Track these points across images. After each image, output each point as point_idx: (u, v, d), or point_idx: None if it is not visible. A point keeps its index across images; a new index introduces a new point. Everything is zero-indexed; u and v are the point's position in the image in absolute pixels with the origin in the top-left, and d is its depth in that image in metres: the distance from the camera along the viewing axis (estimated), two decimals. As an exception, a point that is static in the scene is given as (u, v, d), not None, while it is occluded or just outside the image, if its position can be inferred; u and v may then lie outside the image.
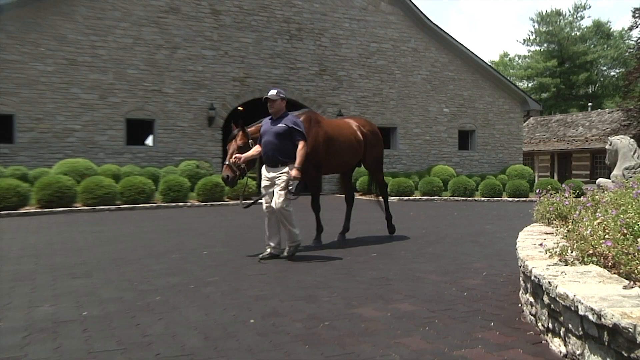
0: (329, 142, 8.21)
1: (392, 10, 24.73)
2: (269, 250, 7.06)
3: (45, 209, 13.20)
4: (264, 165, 7.17)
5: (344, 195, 9.80)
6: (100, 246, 8.08)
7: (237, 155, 7.25)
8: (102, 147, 20.07)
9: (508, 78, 32.84)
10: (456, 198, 19.70)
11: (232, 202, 16.63)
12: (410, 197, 19.44)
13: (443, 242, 8.75)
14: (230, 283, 5.58)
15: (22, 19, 18.99)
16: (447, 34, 25.61)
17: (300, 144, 6.96)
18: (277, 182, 6.92)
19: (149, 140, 23.64)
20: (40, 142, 19.17)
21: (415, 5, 24.94)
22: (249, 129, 7.60)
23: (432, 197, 19.68)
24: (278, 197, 6.82)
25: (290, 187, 6.92)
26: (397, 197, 19.28)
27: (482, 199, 19.90)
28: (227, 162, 7.39)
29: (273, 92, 7.15)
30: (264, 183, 7.10)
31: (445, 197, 19.80)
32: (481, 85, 26.83)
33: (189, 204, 15.52)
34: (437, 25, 25.44)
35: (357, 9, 24.06)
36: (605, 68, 59.26)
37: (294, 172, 6.81)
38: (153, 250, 7.73)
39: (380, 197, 9.97)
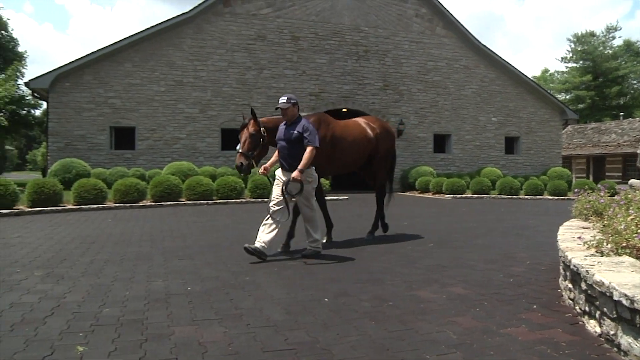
0: (336, 143, 7.28)
1: (446, 33, 24.32)
2: (257, 243, 5.99)
3: (157, 203, 13.66)
4: (279, 169, 6.40)
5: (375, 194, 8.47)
6: (200, 234, 8.30)
7: (265, 166, 6.39)
8: (202, 152, 20.69)
9: (548, 91, 31.67)
10: (503, 196, 19.16)
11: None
12: (463, 195, 19.06)
13: (491, 234, 8.54)
14: (307, 267, 5.64)
15: (143, 51, 19.89)
16: (494, 53, 24.94)
17: (309, 149, 6.06)
18: (288, 189, 6.03)
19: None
20: (154, 148, 19.97)
21: (466, 28, 24.44)
22: (261, 119, 6.67)
23: (482, 196, 19.21)
24: (303, 202, 6.19)
25: (297, 191, 6.03)
26: (451, 195, 18.94)
27: (526, 197, 19.24)
28: (239, 150, 6.51)
29: (283, 99, 6.22)
30: (276, 182, 6.30)
31: (493, 196, 19.28)
32: (524, 97, 25.97)
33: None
34: (485, 46, 24.82)
35: (416, 33, 23.78)
36: (635, 82, 56.77)
37: (295, 174, 5.92)
38: (243, 238, 7.86)
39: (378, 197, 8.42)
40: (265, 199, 15.42)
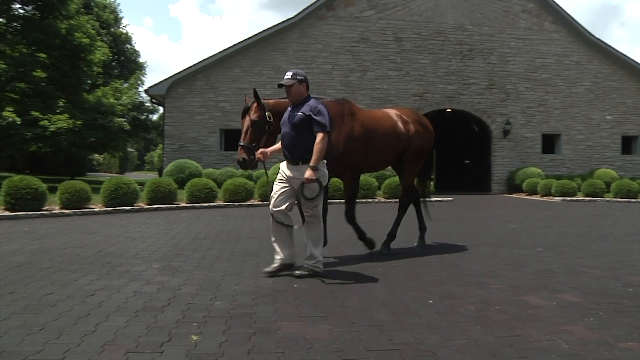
0: (367, 137, 6.07)
1: (556, 28, 23.01)
2: (277, 262, 5.14)
3: (264, 202, 14.05)
4: (284, 162, 5.18)
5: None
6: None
7: (263, 150, 5.19)
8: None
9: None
10: (619, 199, 17.79)
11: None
12: (573, 198, 17.96)
13: (605, 240, 7.95)
14: (412, 268, 5.55)
15: (251, 56, 20.61)
16: (610, 46, 23.22)
17: (319, 136, 4.80)
18: (304, 193, 4.87)
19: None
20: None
21: (577, 22, 22.96)
22: (266, 101, 5.47)
23: (595, 199, 17.95)
24: (308, 211, 4.98)
25: (316, 194, 4.85)
26: (561, 198, 17.91)
27: (646, 199, 17.80)
28: (241, 143, 5.33)
29: (288, 75, 5.03)
30: (279, 177, 5.14)
31: (608, 199, 17.95)
32: (645, 93, 24.02)
33: (376, 200, 15.68)
34: (599, 39, 23.19)
35: (522, 29, 22.72)
36: None
37: (307, 174, 4.74)
38: (348, 238, 7.89)
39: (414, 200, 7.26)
40: (369, 200, 15.43)
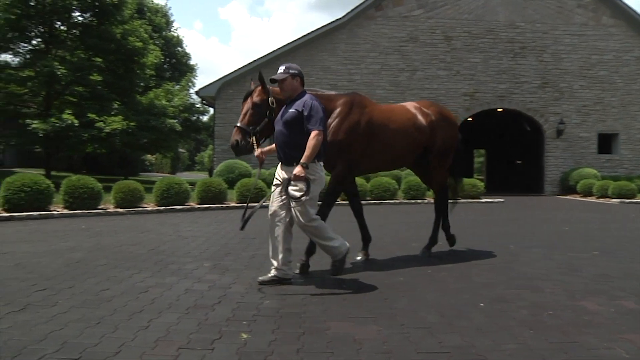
0: (374, 132, 5.59)
1: (614, 22, 22.16)
2: (272, 272, 4.73)
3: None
4: (279, 164, 4.87)
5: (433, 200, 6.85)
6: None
7: (264, 149, 4.88)
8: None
9: None
10: (682, 200, 17.05)
11: (463, 200, 16.22)
12: (632, 200, 17.27)
13: (668, 243, 7.63)
14: (461, 270, 5.46)
15: (299, 57, 20.73)
16: (673, 42, 22.24)
17: (313, 134, 4.47)
18: (290, 191, 4.54)
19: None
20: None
21: (638, 15, 22.05)
22: (273, 88, 5.15)
23: (656, 199, 17.26)
24: (297, 214, 4.58)
25: (302, 194, 4.46)
26: (619, 200, 17.26)
27: None
28: (237, 124, 4.95)
29: (281, 69, 4.75)
30: (275, 181, 4.88)
31: (670, 200, 17.23)
32: None
33: (426, 201, 15.51)
34: (661, 35, 22.25)
35: (577, 25, 22.00)
36: None
37: (296, 170, 4.39)
38: (397, 238, 7.86)
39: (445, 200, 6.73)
40: (419, 200, 15.28)
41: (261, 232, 8.28)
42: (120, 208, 10.85)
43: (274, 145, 4.89)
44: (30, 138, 16.72)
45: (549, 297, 4.33)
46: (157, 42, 31.77)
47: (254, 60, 20.73)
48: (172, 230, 8.26)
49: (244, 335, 3.23)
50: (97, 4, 18.23)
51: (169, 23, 39.49)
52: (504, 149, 29.24)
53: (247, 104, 5.02)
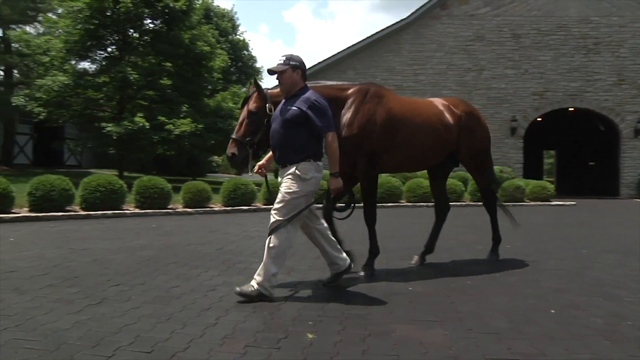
0: (394, 125, 5.06)
1: (699, 16, 20.88)
2: (332, 272, 4.55)
3: (378, 204, 14.02)
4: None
5: (434, 205, 6.40)
6: (420, 235, 8.26)
7: (261, 163, 4.56)
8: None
9: None
10: None
11: (532, 203, 15.73)
12: None
13: None
14: (530, 275, 5.28)
15: (364, 59, 20.75)
16: None
17: (328, 136, 4.11)
18: (280, 188, 4.18)
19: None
20: (373, 151, 20.62)
21: None
22: (270, 91, 4.68)
23: None
24: (272, 215, 4.14)
25: (339, 206, 4.46)
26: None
27: None
28: (233, 136, 4.52)
29: (280, 60, 4.27)
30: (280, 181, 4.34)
31: None
32: None
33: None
34: None
35: (659, 19, 20.86)
36: None
37: (332, 184, 4.15)
38: (461, 240, 7.71)
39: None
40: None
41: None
42: (189, 208, 11.17)
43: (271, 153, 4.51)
44: (105, 140, 17.48)
45: (627, 306, 4.11)
46: (224, 46, 32.47)
47: (319, 62, 20.88)
48: (239, 230, 8.43)
49: (310, 335, 3.25)
50: (166, 11, 18.83)
51: (235, 27, 40.31)
52: (575, 150, 28.12)
53: (243, 113, 4.57)
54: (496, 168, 19.24)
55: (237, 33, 40.58)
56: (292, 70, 4.22)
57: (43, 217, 8.94)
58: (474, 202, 15.01)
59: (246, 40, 40.77)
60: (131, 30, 19.40)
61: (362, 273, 5.05)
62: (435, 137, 5.39)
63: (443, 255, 6.35)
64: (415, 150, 5.34)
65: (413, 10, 21.16)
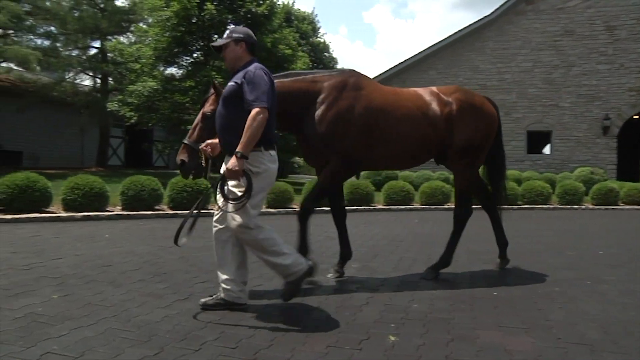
0: (372, 121, 4.58)
1: None
2: (221, 293, 3.76)
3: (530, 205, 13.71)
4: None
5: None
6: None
7: (209, 141, 3.83)
8: (506, 155, 20.10)
9: None
10: None
11: (627, 206, 14.84)
12: None
13: None
14: (627, 284, 4.97)
15: (446, 58, 20.44)
16: None
17: (252, 112, 3.44)
18: (225, 191, 3.60)
19: (547, 149, 22.71)
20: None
21: None
22: None
23: None
24: (231, 217, 3.59)
25: (236, 195, 3.53)
26: None
27: None
28: (185, 141, 4.00)
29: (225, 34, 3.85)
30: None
31: None
32: None
33: (583, 206, 14.40)
34: None
35: None
36: None
37: (230, 163, 3.42)
38: (550, 245, 7.39)
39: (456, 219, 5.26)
40: (575, 206, 14.25)
41: (408, 235, 8.24)
42: (272, 208, 11.39)
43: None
44: (190, 143, 18.25)
45: None
46: (305, 49, 32.90)
47: (400, 63, 20.76)
48: (320, 230, 8.50)
49: (392, 338, 3.23)
50: (249, 16, 19.34)
51: (315, 30, 40.74)
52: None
53: (199, 116, 4.07)
54: (586, 169, 18.44)
55: (318, 35, 40.99)
56: (234, 43, 3.78)
57: (134, 215, 9.43)
58: (562, 205, 14.37)
59: (327, 43, 41.14)
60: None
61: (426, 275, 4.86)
62: (420, 131, 4.80)
63: (529, 259, 6.12)
64: (395, 147, 4.79)
65: (495, 7, 20.58)
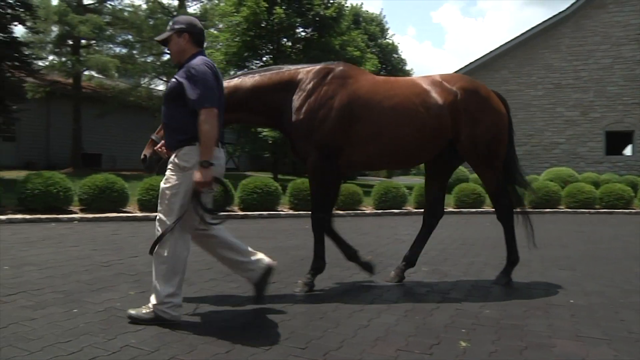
0: (356, 112, 4.22)
1: None
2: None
3: (535, 209, 13.24)
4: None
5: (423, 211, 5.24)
6: (581, 244, 7.73)
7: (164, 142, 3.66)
8: (582, 157, 19.36)
9: None
10: None
11: None
12: None
13: None
14: None
15: (518, 57, 19.86)
16: None
17: (201, 116, 3.24)
18: (203, 204, 3.38)
19: (628, 150, 21.60)
20: (531, 153, 19.62)
21: None
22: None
23: None
24: (156, 219, 3.47)
25: (207, 202, 3.43)
26: None
27: None
28: (152, 136, 3.87)
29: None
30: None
31: None
32: None
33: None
34: None
35: None
36: None
37: (197, 176, 3.23)
38: (632, 252, 7.03)
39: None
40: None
41: (479, 238, 8.06)
42: (340, 210, 11.43)
43: None
44: (260, 145, 18.56)
45: None
46: (374, 50, 32.84)
47: (470, 63, 20.36)
48: (389, 233, 8.47)
49: (463, 344, 3.18)
50: (317, 19, 19.52)
51: (383, 31, 40.58)
52: None
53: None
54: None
55: (386, 37, 40.81)
56: (177, 35, 3.48)
57: (207, 216, 9.72)
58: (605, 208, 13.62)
59: (395, 44, 40.89)
60: (284, 39, 20.37)
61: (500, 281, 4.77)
62: (418, 124, 4.31)
63: (610, 266, 5.85)
64: (390, 143, 4.36)
65: (570, 2, 19.73)
